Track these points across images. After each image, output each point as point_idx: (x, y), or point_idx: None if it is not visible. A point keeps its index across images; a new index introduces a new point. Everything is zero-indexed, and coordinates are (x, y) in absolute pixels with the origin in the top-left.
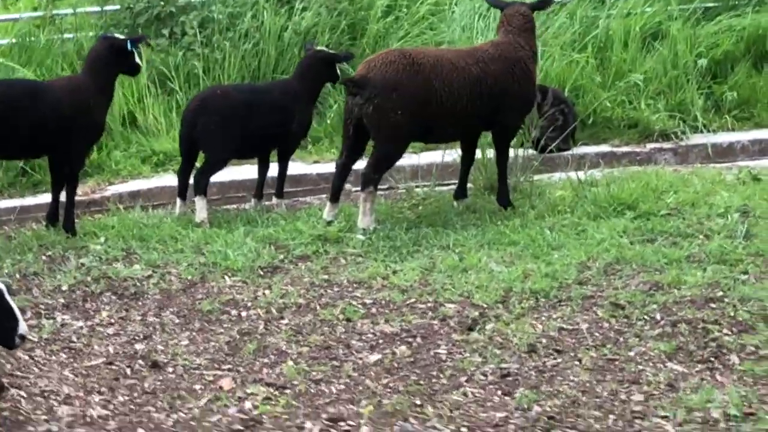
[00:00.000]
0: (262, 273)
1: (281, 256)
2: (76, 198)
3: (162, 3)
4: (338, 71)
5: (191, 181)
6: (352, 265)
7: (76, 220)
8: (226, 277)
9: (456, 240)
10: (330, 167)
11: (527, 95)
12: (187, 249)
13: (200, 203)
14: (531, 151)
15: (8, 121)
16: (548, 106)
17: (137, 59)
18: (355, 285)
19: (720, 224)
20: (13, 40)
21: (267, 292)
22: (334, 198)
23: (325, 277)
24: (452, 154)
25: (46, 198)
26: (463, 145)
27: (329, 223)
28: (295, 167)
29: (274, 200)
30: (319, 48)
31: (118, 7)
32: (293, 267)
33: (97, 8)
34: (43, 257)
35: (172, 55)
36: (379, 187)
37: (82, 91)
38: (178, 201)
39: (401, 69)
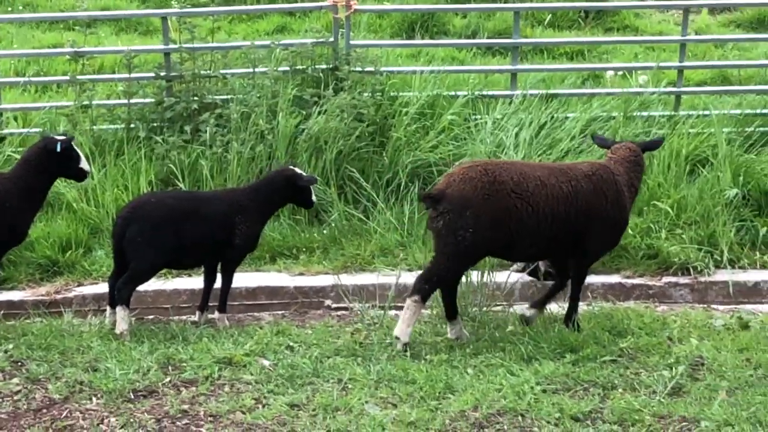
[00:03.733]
0: (132, 397)
1: (168, 379)
2: (36, 298)
3: (195, 98)
4: (309, 194)
5: None
6: (228, 396)
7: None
8: (94, 399)
9: (356, 374)
10: (314, 281)
11: (617, 222)
12: (81, 363)
13: (121, 314)
14: (527, 278)
15: None
16: None
17: (82, 164)
18: (209, 418)
19: (656, 377)
20: (36, 130)
21: (114, 419)
22: (450, 315)
23: (185, 407)
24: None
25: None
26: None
27: (456, 339)
28: (275, 278)
29: (216, 314)
30: (288, 167)
31: (146, 100)
32: (172, 392)
33: (124, 101)
34: None
35: (187, 153)
36: (335, 306)
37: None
38: (108, 310)
39: (479, 187)
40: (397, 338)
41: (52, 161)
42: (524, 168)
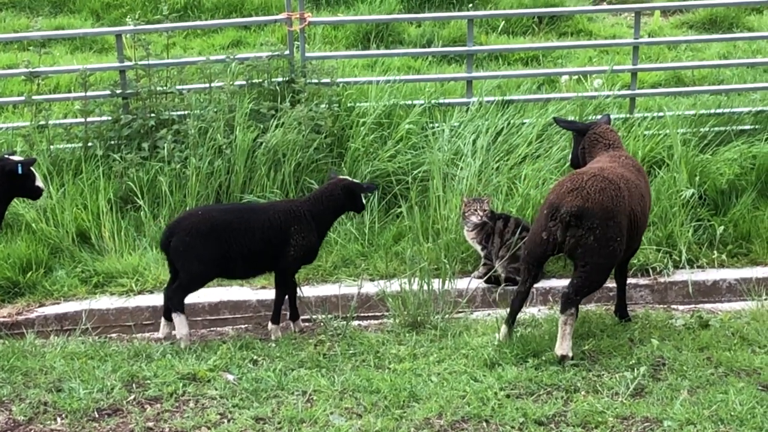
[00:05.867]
0: (97, 416)
1: (132, 397)
2: None
3: (152, 114)
4: (362, 201)
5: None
6: (193, 411)
7: None
8: (59, 419)
9: (321, 385)
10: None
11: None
12: (44, 384)
13: (177, 319)
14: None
15: None
16: (509, 234)
17: (38, 182)
18: None
19: (618, 379)
20: None
21: None
22: (511, 322)
23: (150, 425)
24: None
25: None
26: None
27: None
28: (237, 292)
29: (270, 325)
30: (342, 177)
31: (103, 118)
32: (136, 410)
33: (81, 120)
34: None
35: (145, 170)
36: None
37: None
38: (162, 321)
39: (614, 196)
40: (564, 356)
41: (12, 182)
42: (618, 172)
